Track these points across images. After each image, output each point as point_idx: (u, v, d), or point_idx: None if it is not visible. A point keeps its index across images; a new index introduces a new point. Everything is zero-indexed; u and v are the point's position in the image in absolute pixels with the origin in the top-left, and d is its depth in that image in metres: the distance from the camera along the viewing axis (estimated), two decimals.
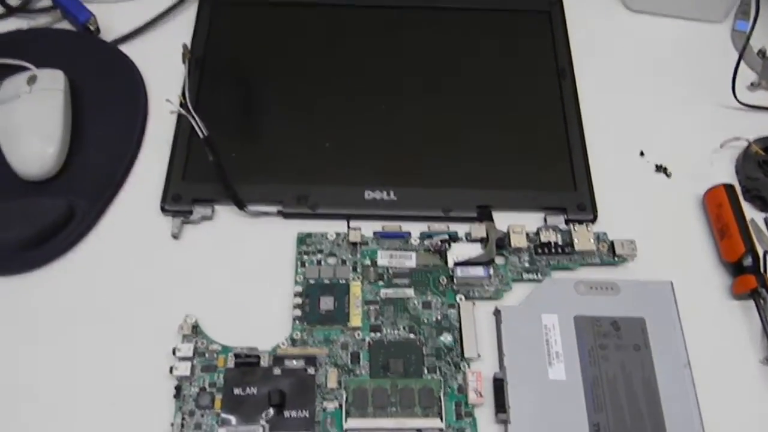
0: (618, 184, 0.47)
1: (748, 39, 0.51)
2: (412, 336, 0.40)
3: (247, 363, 0.39)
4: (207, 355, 0.39)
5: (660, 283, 0.42)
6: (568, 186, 0.46)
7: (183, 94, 0.45)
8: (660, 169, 0.48)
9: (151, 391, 0.39)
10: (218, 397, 0.38)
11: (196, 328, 0.40)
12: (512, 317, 0.40)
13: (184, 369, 0.39)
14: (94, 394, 0.39)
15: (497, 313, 0.41)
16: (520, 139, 0.48)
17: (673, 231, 0.46)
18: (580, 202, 0.45)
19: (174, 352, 0.39)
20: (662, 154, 0.49)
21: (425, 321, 0.41)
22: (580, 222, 0.44)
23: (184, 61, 0.47)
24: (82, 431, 0.38)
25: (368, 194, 0.45)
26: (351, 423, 0.37)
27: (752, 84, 0.52)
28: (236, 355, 0.39)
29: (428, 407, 0.38)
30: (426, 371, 0.39)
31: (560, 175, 0.46)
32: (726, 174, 0.48)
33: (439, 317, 0.41)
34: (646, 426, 0.37)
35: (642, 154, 0.49)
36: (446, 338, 0.40)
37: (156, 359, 0.39)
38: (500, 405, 0.38)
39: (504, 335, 0.40)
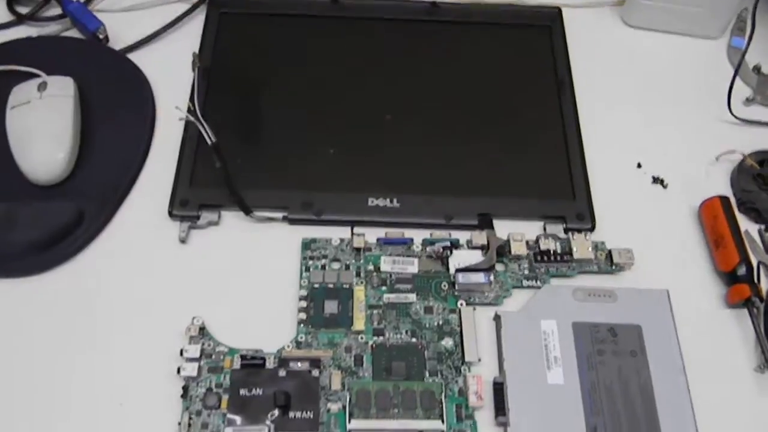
0: (616, 194, 0.49)
1: (743, 55, 0.54)
2: (414, 340, 0.42)
3: (252, 364, 0.41)
4: (213, 356, 0.41)
5: (656, 291, 0.44)
6: (567, 195, 0.48)
7: (191, 100, 0.47)
8: (657, 180, 0.50)
9: (158, 391, 0.40)
10: (224, 397, 0.40)
11: (203, 330, 0.42)
12: (512, 323, 0.42)
13: (191, 370, 0.40)
14: (102, 394, 0.40)
15: (497, 318, 0.43)
16: (521, 149, 0.50)
17: (669, 241, 0.48)
18: (579, 212, 0.47)
19: (181, 353, 0.41)
20: (659, 166, 0.51)
21: (427, 325, 0.43)
22: (579, 231, 0.46)
23: (193, 69, 0.49)
24: (92, 430, 0.39)
25: (372, 201, 0.47)
26: (354, 424, 0.39)
27: (747, 99, 0.54)
28: (242, 357, 0.41)
29: (430, 409, 0.40)
30: (427, 374, 0.41)
31: (559, 185, 0.48)
32: (721, 186, 0.50)
33: (440, 322, 0.43)
34: (641, 430, 0.39)
35: (639, 165, 0.51)
36: (447, 342, 0.42)
37: (164, 360, 0.41)
38: (500, 408, 0.40)
39: (504, 340, 0.42)
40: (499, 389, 0.40)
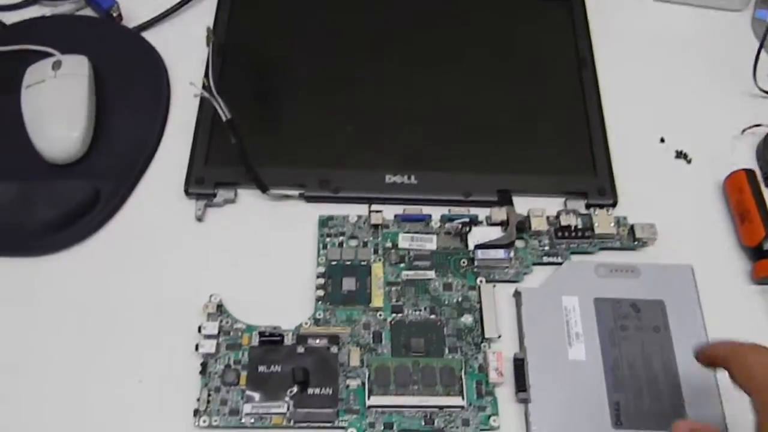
0: (638, 169, 0.48)
1: None
2: (433, 316, 0.42)
3: (271, 341, 0.41)
4: (232, 333, 0.41)
5: (680, 266, 0.43)
6: (588, 171, 0.47)
7: (206, 76, 0.47)
8: (680, 155, 0.49)
9: (177, 368, 0.40)
10: (243, 374, 0.40)
11: (220, 308, 0.42)
12: (532, 299, 0.42)
13: (209, 347, 0.40)
14: (121, 372, 0.40)
15: (517, 295, 0.42)
16: (541, 124, 0.49)
17: (694, 216, 0.47)
18: (601, 187, 0.46)
19: (199, 330, 0.41)
20: (683, 141, 0.50)
21: (446, 302, 0.43)
22: (601, 206, 0.45)
23: (207, 44, 0.49)
24: (111, 408, 0.39)
25: (389, 178, 0.46)
26: (374, 400, 0.39)
27: None
28: (260, 334, 0.41)
29: (449, 386, 0.39)
30: (447, 351, 0.41)
31: (581, 160, 0.48)
32: (746, 160, 0.49)
33: (459, 299, 0.43)
34: (665, 406, 0.39)
35: (662, 140, 0.50)
36: (467, 319, 0.42)
37: (182, 337, 0.41)
38: (521, 384, 0.39)
39: (524, 316, 0.41)
40: (519, 366, 0.40)
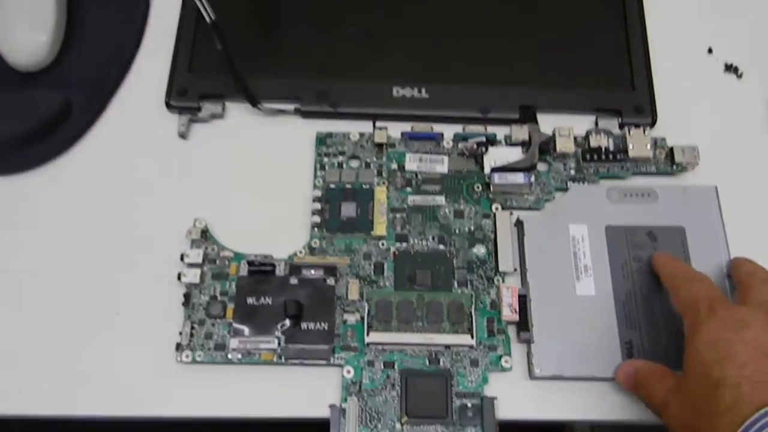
0: (681, 84, 0.44)
1: None
2: (441, 247, 0.39)
3: (261, 271, 0.38)
4: (218, 261, 0.38)
5: (703, 188, 0.39)
6: (625, 85, 0.43)
7: None
8: (730, 68, 0.45)
9: (158, 299, 0.38)
10: (230, 306, 0.37)
11: (205, 234, 0.39)
12: (536, 228, 0.38)
13: (193, 276, 0.37)
14: (97, 303, 0.38)
15: (519, 224, 0.39)
16: (572, 30, 0.44)
17: (741, 138, 0.43)
18: (638, 104, 0.42)
19: (182, 258, 0.38)
20: (733, 52, 0.45)
21: (456, 231, 0.39)
22: (637, 126, 0.41)
23: None
24: (85, 343, 0.37)
25: (397, 91, 0.42)
26: (373, 337, 0.36)
27: None
28: (249, 263, 0.38)
29: (458, 323, 0.36)
30: (456, 285, 0.38)
31: (616, 73, 0.43)
32: None
33: (472, 228, 0.39)
34: (683, 344, 0.35)
35: (710, 51, 0.46)
36: (479, 250, 0.38)
37: (163, 266, 0.38)
38: (523, 323, 0.36)
39: (527, 248, 0.38)
40: (522, 303, 0.37)
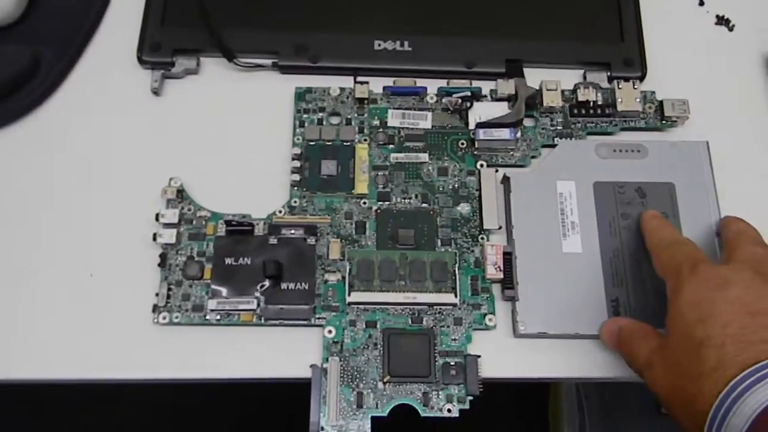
0: (671, 36, 0.43)
1: None
2: (424, 205, 0.38)
3: (239, 231, 0.37)
4: (195, 221, 0.37)
5: (694, 143, 0.39)
6: (613, 37, 0.42)
7: None
8: (721, 20, 0.44)
9: (133, 260, 0.37)
10: (207, 267, 0.36)
11: (181, 193, 0.38)
12: (523, 185, 0.38)
13: (168, 236, 0.36)
14: (70, 265, 0.37)
15: (506, 180, 0.38)
16: None
17: (732, 92, 0.42)
18: (627, 57, 0.41)
19: (157, 218, 0.37)
20: (725, 4, 0.44)
21: (440, 189, 0.38)
22: (626, 79, 0.40)
23: None
24: (58, 306, 0.36)
25: (378, 44, 0.41)
26: (355, 296, 0.35)
27: None
28: (227, 222, 0.37)
29: (441, 281, 0.36)
30: (440, 243, 0.37)
31: (605, 25, 0.42)
32: None
33: (456, 185, 0.38)
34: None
35: (702, 2, 0.44)
36: (464, 208, 0.38)
37: (137, 226, 0.37)
38: (508, 281, 0.36)
39: (513, 205, 0.37)
40: (507, 260, 0.36)
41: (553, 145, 0.39)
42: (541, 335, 0.35)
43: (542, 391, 0.73)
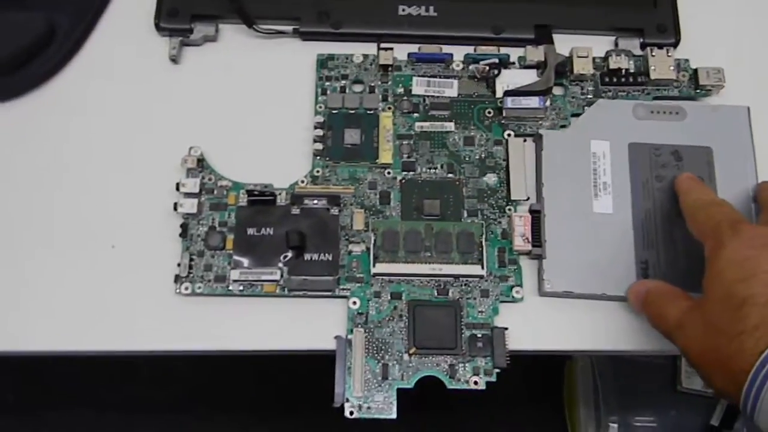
0: (706, 1, 0.41)
1: None
2: (450, 175, 0.37)
3: (261, 201, 0.36)
4: (216, 191, 0.37)
5: (734, 108, 0.38)
6: (646, 2, 0.41)
7: None
8: None
9: (154, 230, 0.37)
10: (229, 237, 0.36)
11: (202, 162, 0.37)
12: (556, 143, 0.37)
13: (189, 206, 0.36)
14: (91, 237, 0.37)
15: (538, 138, 0.37)
16: None
17: None
18: (661, 23, 0.40)
19: (178, 188, 0.36)
20: None
21: (466, 159, 0.37)
22: (660, 46, 0.39)
23: None
24: (80, 278, 0.36)
25: (403, 9, 0.40)
26: (379, 267, 0.35)
27: None
28: (249, 192, 0.36)
29: (467, 253, 0.35)
30: (466, 214, 0.36)
31: None
32: None
33: (482, 155, 0.37)
34: (702, 267, 0.34)
35: None
36: (490, 179, 0.37)
37: (158, 196, 0.37)
38: (536, 239, 0.35)
39: (545, 162, 0.36)
40: (535, 218, 0.36)
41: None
42: (567, 294, 0.35)
43: (557, 372, 0.73)
